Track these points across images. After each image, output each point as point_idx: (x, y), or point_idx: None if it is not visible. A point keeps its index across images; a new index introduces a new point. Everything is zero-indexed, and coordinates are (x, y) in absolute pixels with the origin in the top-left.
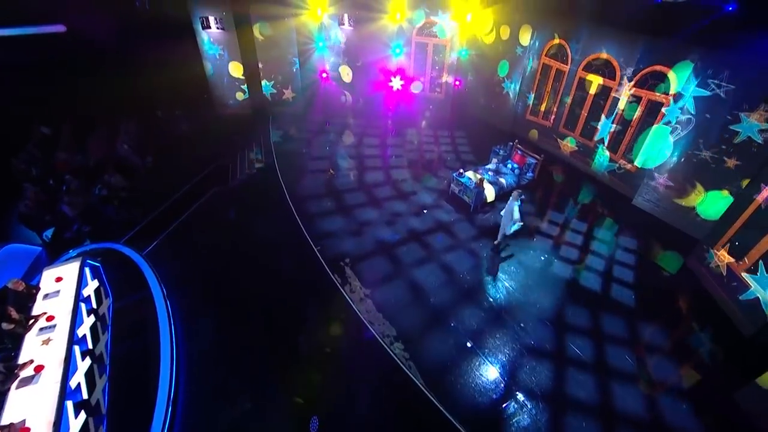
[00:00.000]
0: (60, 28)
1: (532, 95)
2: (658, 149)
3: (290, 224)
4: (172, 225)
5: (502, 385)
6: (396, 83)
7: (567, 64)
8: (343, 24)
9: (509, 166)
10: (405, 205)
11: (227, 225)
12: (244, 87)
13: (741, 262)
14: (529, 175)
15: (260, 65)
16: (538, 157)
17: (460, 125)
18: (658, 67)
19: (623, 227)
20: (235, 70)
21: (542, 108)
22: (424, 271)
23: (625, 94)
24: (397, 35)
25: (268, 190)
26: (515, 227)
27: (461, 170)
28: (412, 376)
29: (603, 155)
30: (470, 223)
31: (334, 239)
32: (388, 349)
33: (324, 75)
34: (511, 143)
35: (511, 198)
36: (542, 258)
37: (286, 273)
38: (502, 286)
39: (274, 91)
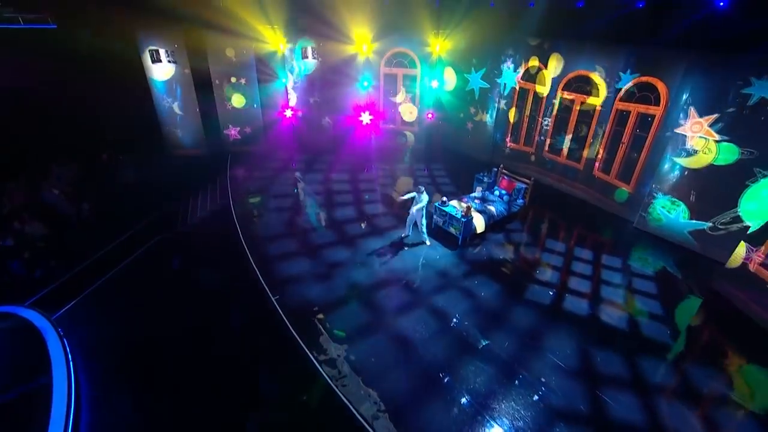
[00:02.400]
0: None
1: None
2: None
3: (244, 271)
4: (100, 281)
5: None
6: (365, 118)
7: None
8: (307, 57)
9: (496, 192)
10: (381, 242)
11: (167, 277)
12: (200, 124)
13: None
14: (520, 201)
15: (217, 101)
16: (527, 181)
17: (436, 157)
18: None
19: (632, 250)
20: (190, 106)
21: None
22: (410, 319)
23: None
24: (364, 67)
25: (222, 234)
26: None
27: (444, 199)
28: None
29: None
30: (461, 259)
31: (298, 285)
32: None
33: (288, 114)
34: (496, 168)
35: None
36: (550, 293)
37: (237, 330)
38: (510, 330)
39: (233, 129)
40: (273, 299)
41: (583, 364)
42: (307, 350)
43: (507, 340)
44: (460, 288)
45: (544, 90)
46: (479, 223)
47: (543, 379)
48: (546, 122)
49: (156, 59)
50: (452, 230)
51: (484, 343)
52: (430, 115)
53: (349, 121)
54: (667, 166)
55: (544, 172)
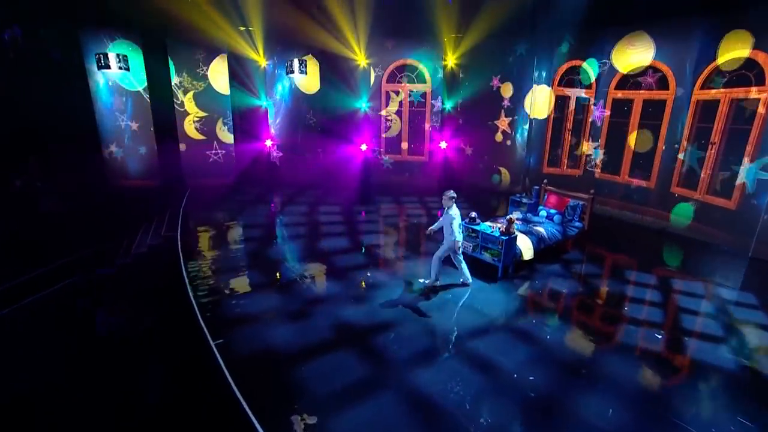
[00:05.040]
0: None
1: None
2: None
3: (181, 312)
4: None
5: None
6: (365, 146)
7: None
8: (293, 72)
9: (543, 213)
10: (386, 276)
11: (74, 325)
12: (154, 149)
13: None
14: (576, 223)
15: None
16: (585, 195)
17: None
18: None
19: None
20: (143, 125)
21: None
22: (436, 373)
23: None
24: (363, 83)
25: (159, 272)
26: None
27: (473, 215)
28: None
29: None
30: (505, 294)
31: (256, 326)
32: None
33: (269, 144)
34: (537, 187)
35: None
36: (658, 336)
37: (161, 390)
38: (609, 385)
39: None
40: (213, 345)
41: None
42: (255, 421)
43: (607, 401)
44: (512, 330)
45: (589, 94)
46: (525, 246)
47: None
48: (596, 136)
49: (103, 65)
50: (486, 256)
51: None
52: (444, 144)
53: (348, 151)
54: None
55: (601, 200)
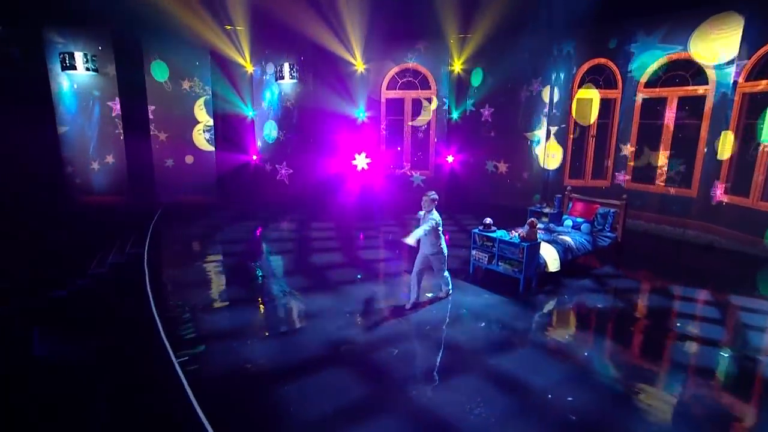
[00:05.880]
0: None
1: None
2: None
3: (142, 331)
4: None
5: None
6: (360, 161)
7: None
8: (283, 78)
9: (568, 223)
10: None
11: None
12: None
13: None
14: (608, 233)
15: (154, 130)
16: (616, 202)
17: (463, 209)
18: None
19: None
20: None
21: None
22: (452, 391)
23: None
24: (359, 90)
25: (121, 291)
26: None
27: (488, 221)
28: None
29: None
30: (529, 309)
31: (229, 342)
32: None
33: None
34: (559, 195)
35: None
36: (724, 355)
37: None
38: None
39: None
40: (176, 363)
41: None
42: None
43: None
44: (540, 346)
45: (615, 94)
46: (550, 256)
47: None
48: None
49: (68, 66)
50: (504, 267)
51: None
52: (451, 158)
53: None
54: None
55: (632, 212)
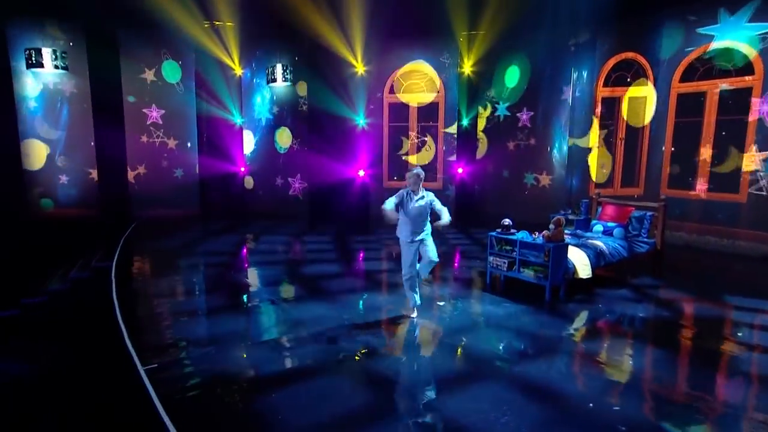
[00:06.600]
0: None
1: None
2: None
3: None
4: None
5: None
6: (361, 171)
7: None
8: (275, 80)
9: (599, 228)
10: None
11: None
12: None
13: None
14: (645, 238)
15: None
16: (653, 204)
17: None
18: None
19: None
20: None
21: None
22: (472, 398)
23: None
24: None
25: (84, 306)
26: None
27: (507, 222)
28: None
29: None
30: (558, 318)
31: (207, 348)
32: None
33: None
34: (586, 200)
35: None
36: None
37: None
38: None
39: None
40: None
41: None
42: None
43: None
44: (575, 353)
45: (647, 92)
46: (580, 261)
47: None
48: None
49: (34, 63)
50: (526, 274)
51: None
52: (460, 170)
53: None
54: None
55: (671, 224)
